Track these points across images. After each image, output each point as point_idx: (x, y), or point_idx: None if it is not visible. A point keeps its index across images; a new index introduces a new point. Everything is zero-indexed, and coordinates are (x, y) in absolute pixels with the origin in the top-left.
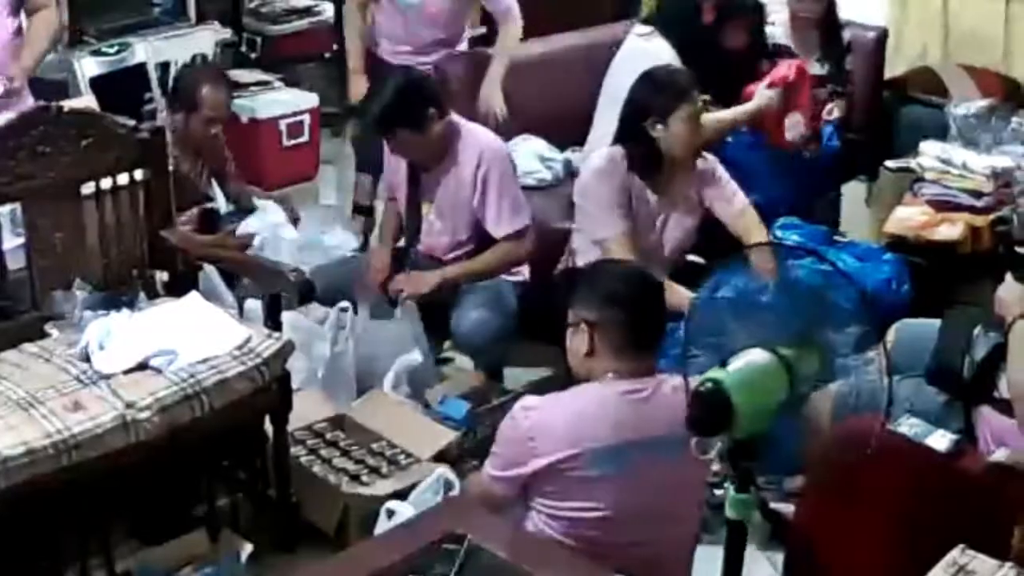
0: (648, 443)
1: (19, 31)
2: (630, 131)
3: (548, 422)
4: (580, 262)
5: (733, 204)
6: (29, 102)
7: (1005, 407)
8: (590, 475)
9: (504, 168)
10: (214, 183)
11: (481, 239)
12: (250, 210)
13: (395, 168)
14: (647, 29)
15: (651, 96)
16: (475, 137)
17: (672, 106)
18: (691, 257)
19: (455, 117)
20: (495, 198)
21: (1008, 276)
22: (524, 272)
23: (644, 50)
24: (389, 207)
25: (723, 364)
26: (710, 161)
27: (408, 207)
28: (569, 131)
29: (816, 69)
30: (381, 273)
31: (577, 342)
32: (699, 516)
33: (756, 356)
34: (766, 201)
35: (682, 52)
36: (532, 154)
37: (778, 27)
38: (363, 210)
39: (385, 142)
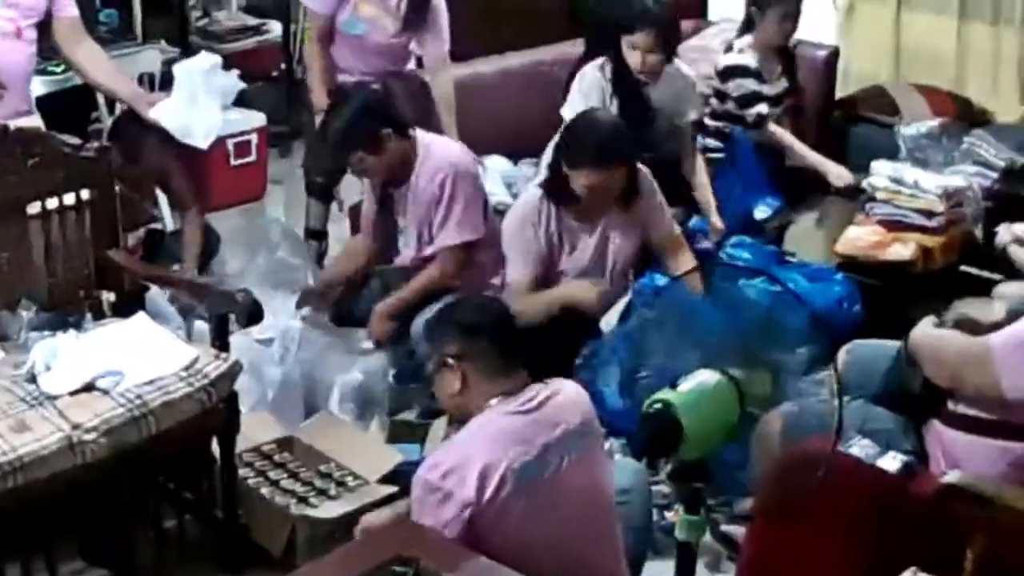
0: (561, 439)
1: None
2: (554, 165)
3: (463, 463)
4: None
5: (663, 226)
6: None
7: (956, 421)
8: (520, 488)
9: (465, 182)
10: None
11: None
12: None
13: (368, 190)
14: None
15: (569, 141)
16: (439, 150)
17: (578, 163)
18: None
19: (418, 132)
20: (456, 210)
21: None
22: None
23: (580, 74)
24: (359, 240)
25: (673, 385)
26: (648, 178)
27: (382, 223)
28: (526, 146)
29: (781, 85)
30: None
31: (448, 381)
32: (615, 522)
33: (706, 377)
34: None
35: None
36: (495, 176)
37: (746, 52)
38: (316, 235)
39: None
